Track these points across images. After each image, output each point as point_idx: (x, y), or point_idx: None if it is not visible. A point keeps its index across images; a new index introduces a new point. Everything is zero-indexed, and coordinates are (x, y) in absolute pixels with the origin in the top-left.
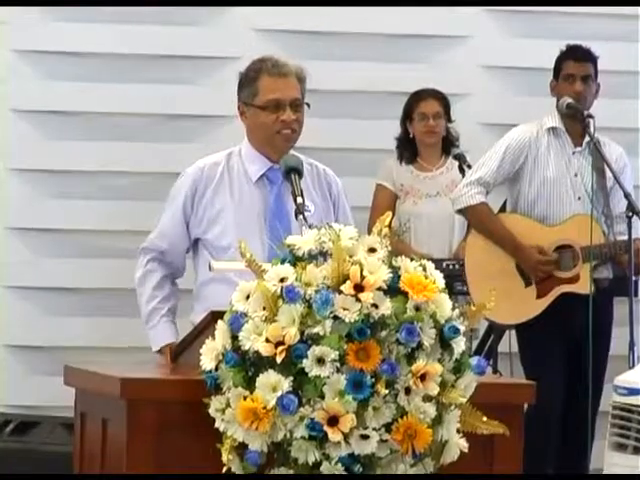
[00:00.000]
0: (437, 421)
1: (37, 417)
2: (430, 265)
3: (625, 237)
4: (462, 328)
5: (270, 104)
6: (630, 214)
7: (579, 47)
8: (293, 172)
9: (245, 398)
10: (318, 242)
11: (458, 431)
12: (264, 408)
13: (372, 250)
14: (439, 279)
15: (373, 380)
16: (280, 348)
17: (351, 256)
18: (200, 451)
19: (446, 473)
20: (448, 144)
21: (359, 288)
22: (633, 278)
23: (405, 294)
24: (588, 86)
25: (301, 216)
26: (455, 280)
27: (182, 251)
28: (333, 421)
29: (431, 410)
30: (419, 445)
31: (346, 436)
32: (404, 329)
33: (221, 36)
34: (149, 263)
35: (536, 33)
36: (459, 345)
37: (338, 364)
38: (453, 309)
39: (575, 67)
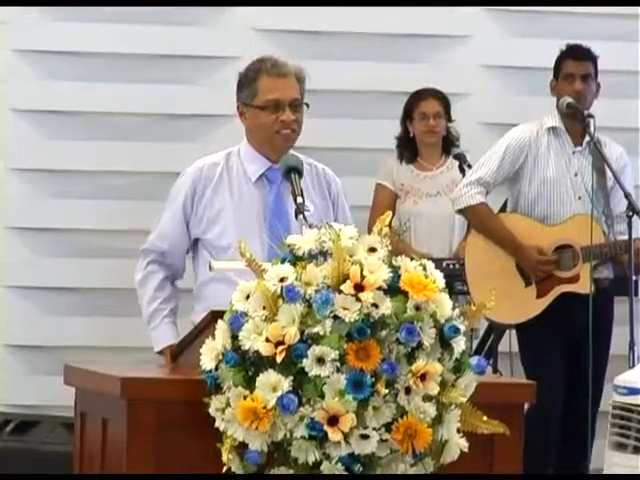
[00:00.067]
0: (437, 421)
1: (37, 417)
2: (430, 265)
3: (625, 237)
4: (462, 328)
5: (269, 104)
6: (630, 214)
7: (579, 46)
8: (293, 172)
9: (245, 398)
10: (318, 242)
11: (458, 431)
12: (264, 408)
13: (372, 250)
14: (439, 279)
15: (373, 380)
16: (280, 348)
17: (351, 256)
18: (200, 451)
19: (446, 473)
20: (448, 144)
21: (359, 288)
22: (633, 278)
23: (405, 294)
24: (588, 85)
25: (301, 216)
26: (455, 280)
27: (182, 252)
28: (333, 421)
29: (431, 410)
30: (419, 445)
31: (346, 436)
32: (404, 329)
33: (221, 36)
34: (149, 265)
35: (536, 33)
36: (459, 345)
37: (338, 364)
38: (453, 309)
39: (575, 66)
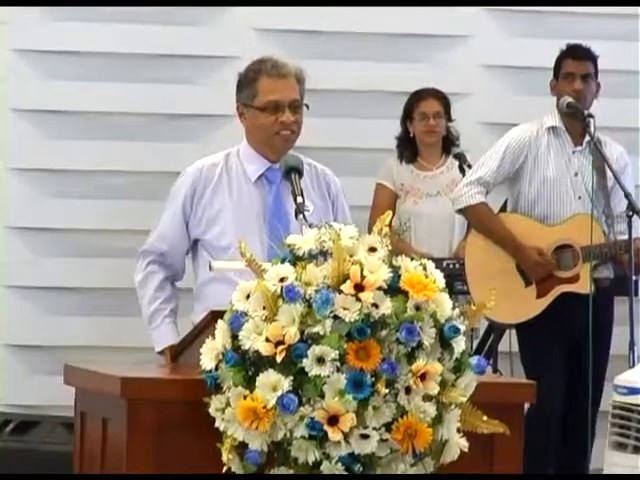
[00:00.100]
0: (437, 420)
1: (37, 417)
2: (430, 264)
3: (625, 237)
4: (462, 327)
5: (269, 105)
6: (630, 213)
7: (579, 46)
8: (293, 172)
9: (245, 397)
10: (318, 241)
11: (458, 430)
12: (264, 407)
13: (372, 249)
14: (439, 278)
15: (373, 379)
16: (280, 347)
17: (351, 255)
18: (200, 451)
19: (446, 473)
20: (448, 143)
21: (359, 287)
22: (633, 278)
23: (405, 293)
24: (588, 85)
25: (301, 215)
26: (455, 279)
27: (182, 252)
28: (333, 420)
29: (431, 409)
30: (419, 444)
31: (346, 435)
32: (404, 328)
33: (221, 36)
34: (150, 265)
35: (536, 33)
36: (459, 344)
37: (338, 363)
38: (453, 308)
39: (574, 65)
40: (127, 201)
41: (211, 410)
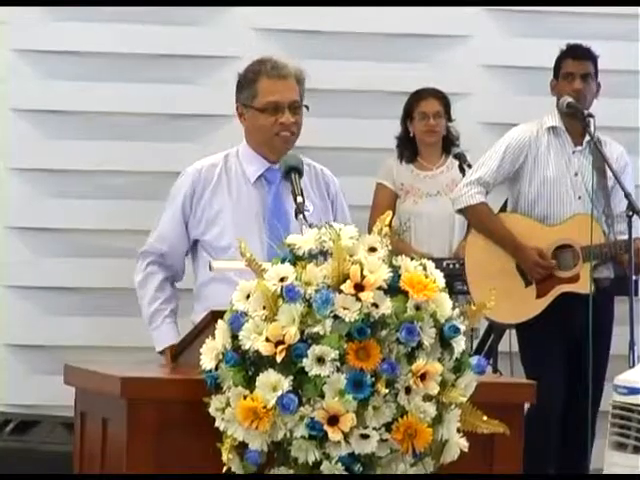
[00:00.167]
0: (437, 420)
1: (37, 416)
2: (430, 264)
3: (625, 236)
4: (462, 327)
5: (269, 106)
6: (630, 213)
7: (579, 46)
8: (293, 171)
9: (245, 397)
10: (318, 241)
11: (458, 430)
12: (264, 407)
13: (372, 249)
14: (439, 278)
15: (373, 379)
16: (280, 347)
17: (351, 255)
18: (200, 451)
19: (446, 473)
20: (448, 143)
21: (359, 287)
22: (633, 277)
23: (405, 293)
24: (588, 84)
25: (301, 215)
26: (455, 279)
27: (182, 253)
28: (333, 420)
29: (431, 409)
30: (419, 444)
31: (346, 435)
32: (404, 328)
33: (221, 36)
34: (149, 266)
35: (536, 32)
36: (459, 344)
37: (338, 363)
38: (453, 308)
39: (574, 65)
40: (127, 201)
41: (211, 410)
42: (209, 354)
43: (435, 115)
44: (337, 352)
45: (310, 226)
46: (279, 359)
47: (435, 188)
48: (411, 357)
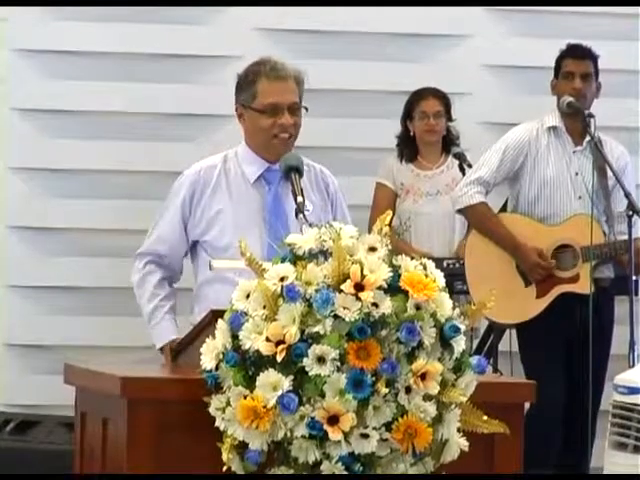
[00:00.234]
0: (437, 420)
1: (37, 416)
2: (430, 264)
3: (625, 237)
4: (462, 327)
5: (268, 108)
6: (630, 213)
7: (579, 45)
8: (293, 171)
9: (245, 397)
10: (318, 241)
11: (458, 430)
12: (264, 407)
13: (372, 249)
14: (439, 278)
15: (373, 379)
16: (280, 347)
17: (351, 255)
18: (200, 450)
19: (446, 472)
20: (448, 143)
21: (359, 287)
22: (633, 277)
23: (405, 293)
24: (588, 84)
25: (301, 215)
26: (455, 279)
27: (180, 255)
28: (333, 420)
29: (431, 409)
30: (419, 444)
31: (346, 435)
32: (404, 328)
33: (221, 36)
34: (147, 265)
35: (536, 32)
36: (459, 344)
37: (338, 363)
38: (453, 308)
39: (574, 65)
40: (127, 201)
41: (211, 410)
42: (209, 354)
43: (435, 115)
44: (337, 352)
45: (310, 226)
46: (279, 359)
47: (435, 187)
48: (411, 357)
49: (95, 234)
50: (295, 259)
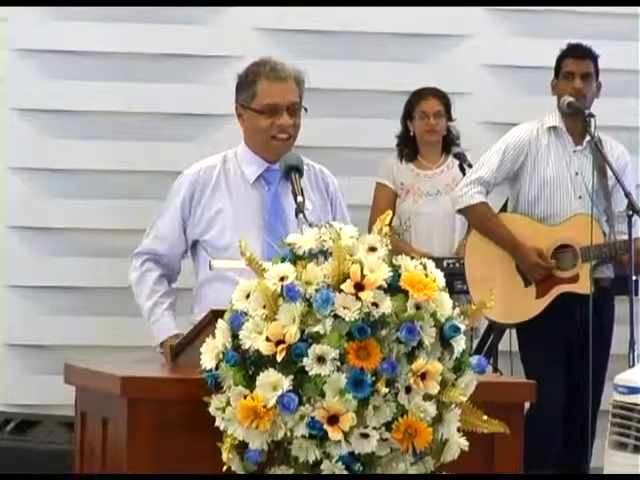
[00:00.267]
0: (437, 420)
1: (37, 416)
2: (430, 264)
3: (626, 236)
4: (462, 327)
5: (267, 108)
6: (630, 213)
7: (579, 45)
8: (294, 170)
9: (245, 397)
10: (318, 241)
11: (458, 430)
12: (264, 407)
13: (372, 249)
14: (439, 278)
15: (373, 379)
16: (280, 347)
17: (351, 255)
18: (200, 450)
19: (446, 472)
20: (449, 143)
21: (359, 287)
22: (633, 277)
23: (405, 293)
24: (588, 84)
25: (301, 215)
26: (455, 279)
27: (179, 254)
28: (333, 420)
29: (431, 409)
30: (419, 444)
31: (346, 435)
32: (404, 328)
33: (221, 35)
34: (145, 263)
35: (537, 32)
36: (459, 344)
37: (338, 363)
38: (453, 308)
39: (574, 64)
40: (127, 201)
41: (211, 409)
42: (209, 353)
43: (435, 114)
44: (337, 351)
45: (310, 225)
46: (279, 358)
47: (435, 187)
48: (411, 356)
49: (95, 234)
50: (295, 259)
